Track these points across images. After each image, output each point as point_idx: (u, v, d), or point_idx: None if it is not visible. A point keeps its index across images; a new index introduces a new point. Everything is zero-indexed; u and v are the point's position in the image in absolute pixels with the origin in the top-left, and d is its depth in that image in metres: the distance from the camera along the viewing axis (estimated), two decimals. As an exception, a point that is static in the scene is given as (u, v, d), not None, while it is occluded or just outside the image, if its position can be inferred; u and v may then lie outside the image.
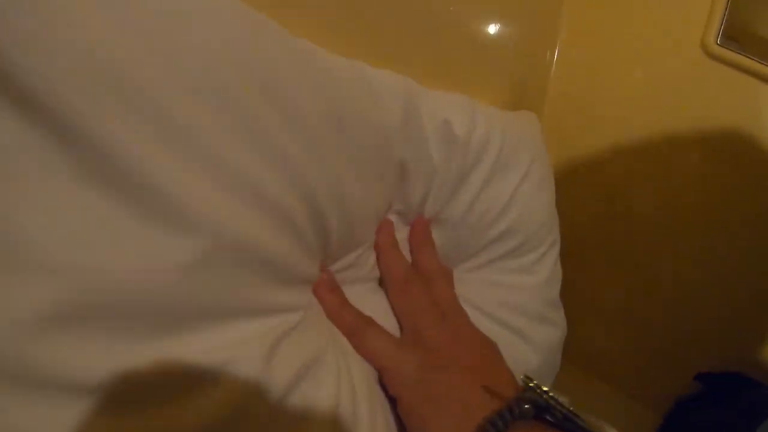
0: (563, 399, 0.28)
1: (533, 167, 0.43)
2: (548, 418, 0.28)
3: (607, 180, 0.64)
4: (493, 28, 0.55)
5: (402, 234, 0.38)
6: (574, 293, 0.52)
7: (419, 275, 0.36)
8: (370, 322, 0.33)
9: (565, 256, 0.51)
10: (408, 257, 0.39)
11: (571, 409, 0.28)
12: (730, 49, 0.54)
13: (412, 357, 0.31)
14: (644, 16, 0.59)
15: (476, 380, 0.30)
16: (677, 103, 0.59)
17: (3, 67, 0.16)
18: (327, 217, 0.28)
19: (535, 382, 0.29)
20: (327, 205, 0.28)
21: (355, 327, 0.32)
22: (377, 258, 0.37)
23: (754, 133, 0.56)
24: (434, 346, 0.32)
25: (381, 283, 0.38)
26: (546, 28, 0.64)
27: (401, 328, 0.34)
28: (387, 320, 0.34)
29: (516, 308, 0.38)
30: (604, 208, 0.65)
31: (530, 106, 0.58)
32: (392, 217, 0.37)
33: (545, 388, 0.28)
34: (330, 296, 0.32)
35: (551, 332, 0.45)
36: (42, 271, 0.17)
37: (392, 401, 0.31)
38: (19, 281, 0.17)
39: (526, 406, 0.27)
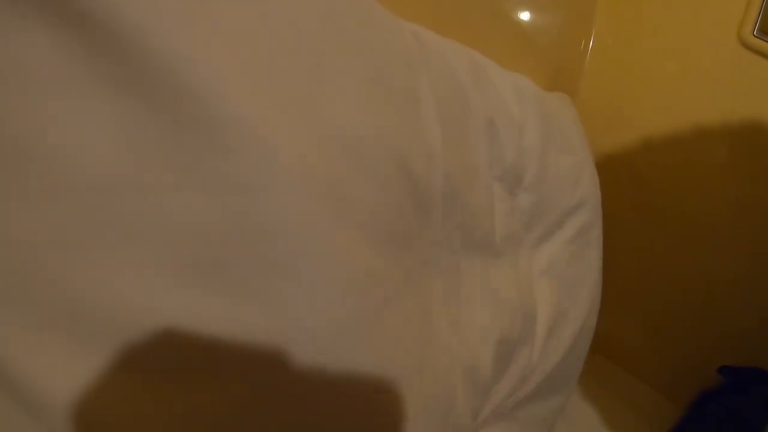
0: None
1: (586, 146, 0.44)
2: None
3: (635, 171, 0.64)
4: (529, 16, 0.55)
5: (508, 204, 0.37)
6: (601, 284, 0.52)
7: None
8: None
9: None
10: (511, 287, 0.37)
11: None
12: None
13: None
14: (681, 7, 0.60)
15: None
16: (712, 94, 0.59)
17: None
18: (416, 169, 0.27)
19: None
20: (416, 160, 0.27)
21: None
22: None
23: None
24: None
25: None
26: (582, 17, 0.64)
27: None
28: (497, 310, 0.33)
29: (582, 281, 0.38)
30: (631, 199, 0.65)
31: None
32: (495, 186, 0.36)
33: None
34: None
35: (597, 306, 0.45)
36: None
37: None
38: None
39: None
